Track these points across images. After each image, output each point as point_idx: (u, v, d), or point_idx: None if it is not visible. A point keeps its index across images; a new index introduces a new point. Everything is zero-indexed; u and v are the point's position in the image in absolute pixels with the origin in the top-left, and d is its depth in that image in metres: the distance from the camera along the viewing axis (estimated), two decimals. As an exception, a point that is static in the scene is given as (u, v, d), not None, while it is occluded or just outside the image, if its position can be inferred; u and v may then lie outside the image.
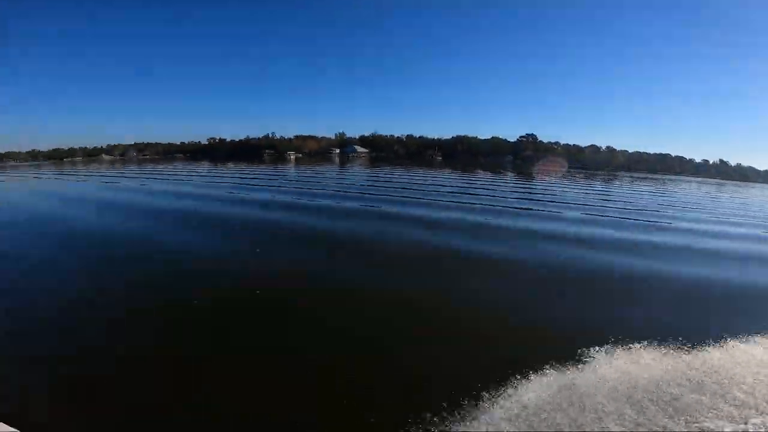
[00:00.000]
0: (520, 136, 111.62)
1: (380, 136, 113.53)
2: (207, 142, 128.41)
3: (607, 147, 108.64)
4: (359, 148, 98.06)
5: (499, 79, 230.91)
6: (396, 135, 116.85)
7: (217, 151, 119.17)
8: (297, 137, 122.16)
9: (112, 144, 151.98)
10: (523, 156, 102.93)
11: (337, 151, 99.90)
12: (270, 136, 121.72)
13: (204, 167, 55.14)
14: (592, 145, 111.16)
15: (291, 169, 53.47)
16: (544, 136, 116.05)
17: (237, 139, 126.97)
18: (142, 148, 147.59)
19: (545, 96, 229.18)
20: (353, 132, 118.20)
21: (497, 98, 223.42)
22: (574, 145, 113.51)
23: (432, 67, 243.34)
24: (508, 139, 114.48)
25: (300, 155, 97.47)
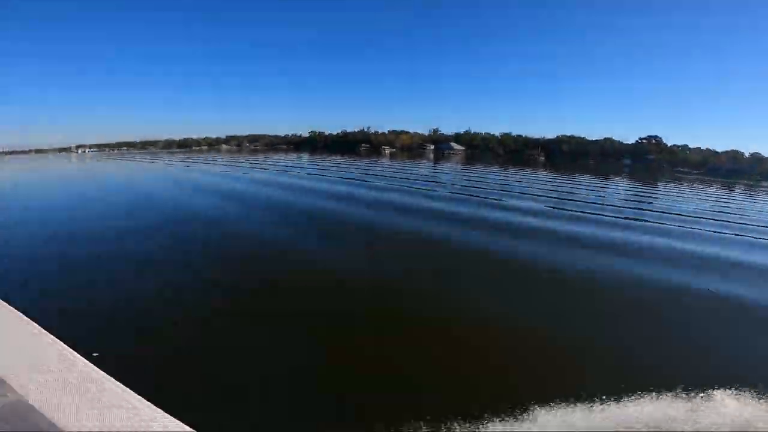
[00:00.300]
0: (640, 138, 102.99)
1: (476, 133, 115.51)
2: (308, 135, 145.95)
3: (753, 153, 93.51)
4: (455, 145, 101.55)
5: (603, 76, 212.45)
6: (493, 132, 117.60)
7: (317, 144, 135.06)
8: (390, 132, 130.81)
9: (230, 135, 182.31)
10: (645, 159, 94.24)
11: (432, 147, 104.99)
12: (366, 130, 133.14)
13: (316, 160, 54.70)
14: (733, 150, 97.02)
15: (386, 165, 50.37)
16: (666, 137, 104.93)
17: (335, 133, 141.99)
18: (252, 140, 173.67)
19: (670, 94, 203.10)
20: (447, 129, 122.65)
21: (605, 98, 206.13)
22: (707, 149, 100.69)
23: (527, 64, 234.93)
24: (624, 141, 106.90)
25: (393, 150, 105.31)
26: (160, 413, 1.31)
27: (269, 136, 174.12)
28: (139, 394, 1.43)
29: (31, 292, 6.65)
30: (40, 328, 1.88)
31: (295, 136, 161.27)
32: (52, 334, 1.87)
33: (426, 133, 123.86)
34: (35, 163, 63.20)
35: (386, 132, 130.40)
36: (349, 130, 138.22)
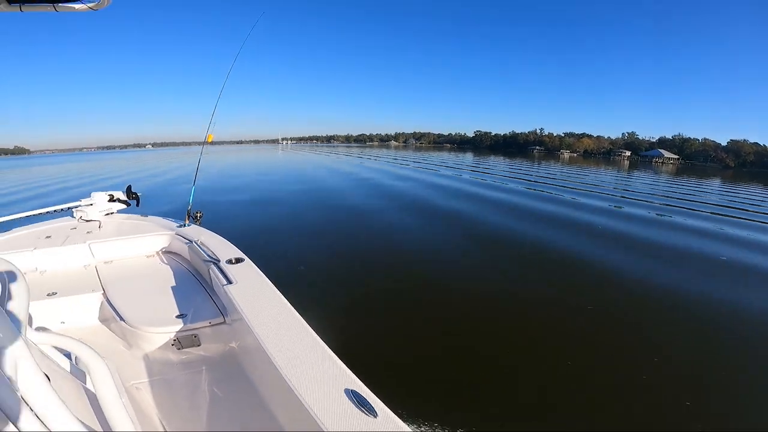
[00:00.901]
0: None
1: (692, 139, 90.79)
2: (474, 134, 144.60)
3: None
4: (666, 153, 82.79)
5: None
6: (713, 139, 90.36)
7: (481, 143, 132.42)
8: (568, 134, 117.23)
9: (398, 132, 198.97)
10: None
11: (627, 153, 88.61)
12: (538, 131, 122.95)
13: (482, 160, 47.15)
14: None
15: (577, 172, 37.00)
16: None
17: (502, 133, 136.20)
18: (418, 137, 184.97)
19: None
20: (645, 133, 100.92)
21: None
22: None
23: None
24: None
25: (574, 154, 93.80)
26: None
27: (433, 134, 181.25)
28: None
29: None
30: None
31: (458, 135, 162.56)
32: None
33: (615, 136, 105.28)
34: (262, 150, 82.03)
35: (562, 134, 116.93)
36: (518, 130, 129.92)
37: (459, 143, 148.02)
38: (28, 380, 0.69)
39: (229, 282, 1.91)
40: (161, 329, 1.92)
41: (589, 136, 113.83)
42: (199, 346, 1.96)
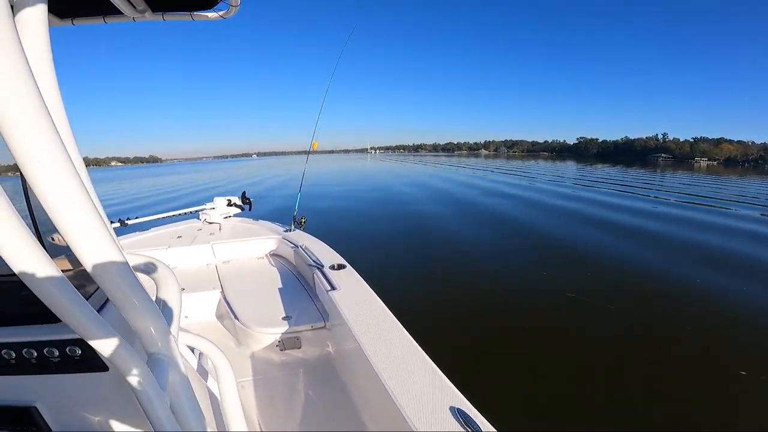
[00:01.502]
0: None
1: None
2: (576, 141, 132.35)
3: None
4: None
5: None
6: None
7: (586, 151, 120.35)
8: (701, 140, 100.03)
9: (488, 140, 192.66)
10: None
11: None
12: (660, 137, 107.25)
13: (590, 170, 40.63)
14: None
15: None
16: None
17: (611, 139, 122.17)
18: (510, 145, 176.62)
19: None
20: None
21: None
22: None
23: None
24: None
25: (713, 162, 79.28)
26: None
27: (526, 141, 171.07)
28: None
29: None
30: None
31: (556, 142, 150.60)
32: None
33: (760, 141, 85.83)
34: (353, 159, 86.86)
35: (690, 140, 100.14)
36: (633, 136, 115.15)
37: (558, 151, 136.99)
38: (174, 379, 0.70)
39: (333, 288, 1.94)
40: (268, 330, 2.03)
41: (729, 141, 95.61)
42: (299, 348, 2.04)
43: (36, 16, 0.68)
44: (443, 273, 5.81)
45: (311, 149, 3.43)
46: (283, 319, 2.10)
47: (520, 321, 4.27)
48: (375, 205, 13.13)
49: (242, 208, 4.03)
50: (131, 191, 24.21)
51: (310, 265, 2.33)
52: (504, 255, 6.79)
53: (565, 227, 9.47)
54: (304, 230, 3.22)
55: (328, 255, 2.48)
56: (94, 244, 0.52)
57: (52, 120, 0.40)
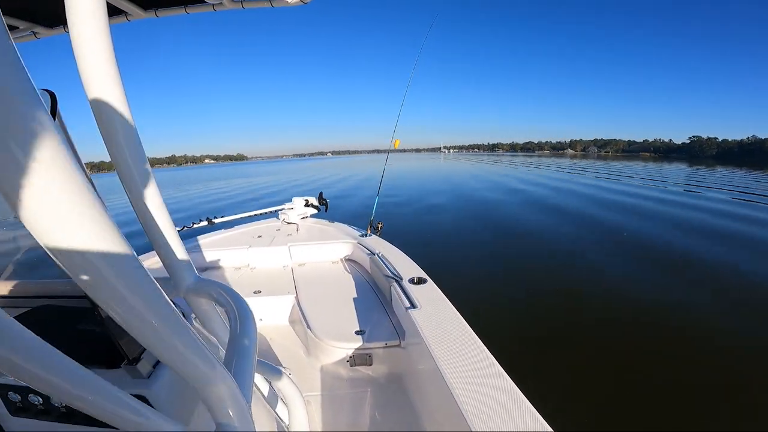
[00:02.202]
0: None
1: None
2: (689, 140, 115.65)
3: None
4: None
5: None
6: None
7: (701, 152, 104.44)
8: None
9: (575, 139, 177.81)
10: None
11: None
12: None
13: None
14: None
15: None
16: None
17: (734, 139, 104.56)
18: (601, 144, 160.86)
19: None
20: None
21: None
22: None
23: None
24: None
25: None
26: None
27: (621, 141, 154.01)
28: None
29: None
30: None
31: (660, 141, 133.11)
32: None
33: None
34: (426, 159, 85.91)
35: None
36: (762, 135, 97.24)
37: (664, 152, 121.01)
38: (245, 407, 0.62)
39: (412, 305, 1.81)
40: (340, 344, 1.96)
41: None
42: (370, 365, 1.95)
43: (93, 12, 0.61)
44: (538, 291, 5.28)
45: (392, 147, 3.32)
46: (356, 333, 2.02)
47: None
48: (457, 210, 12.34)
49: (318, 209, 4.10)
50: (224, 190, 26.51)
51: (388, 276, 2.23)
52: (629, 282, 5.80)
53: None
54: (380, 236, 3.14)
55: (407, 266, 2.35)
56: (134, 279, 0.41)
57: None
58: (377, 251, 2.68)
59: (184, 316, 0.57)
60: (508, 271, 6.19)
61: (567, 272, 6.17)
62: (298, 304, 2.42)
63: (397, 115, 3.30)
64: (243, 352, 0.72)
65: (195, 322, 0.99)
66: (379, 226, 3.14)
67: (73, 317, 0.83)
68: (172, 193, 26.64)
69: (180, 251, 0.88)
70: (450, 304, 1.82)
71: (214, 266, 3.20)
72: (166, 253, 0.87)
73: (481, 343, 1.44)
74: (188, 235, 3.40)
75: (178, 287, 0.90)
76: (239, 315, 0.81)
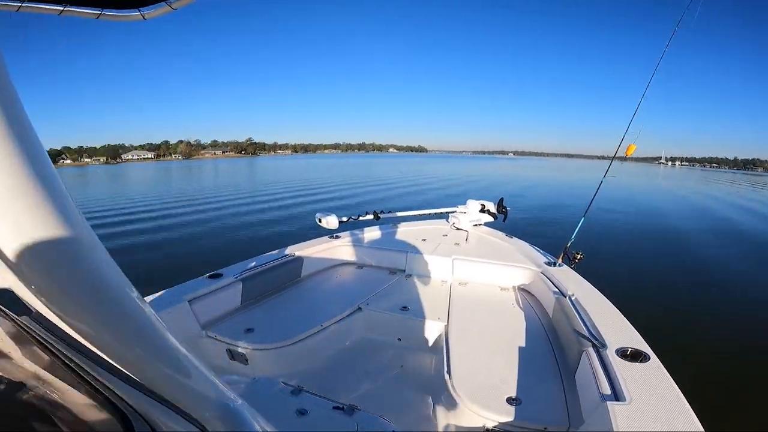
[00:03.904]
0: None
1: None
2: None
3: None
4: None
5: None
6: None
7: None
8: None
9: None
10: None
11: None
12: None
13: None
14: None
15: None
16: None
17: None
18: None
19: None
20: None
21: None
22: None
23: None
24: None
25: None
26: None
27: None
28: None
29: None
30: None
31: None
32: None
33: None
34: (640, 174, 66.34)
35: None
36: None
37: None
38: None
39: (615, 393, 1.25)
40: (481, 411, 1.50)
41: None
42: None
43: None
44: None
45: (622, 154, 2.47)
46: (509, 401, 1.53)
47: None
48: (711, 259, 8.37)
49: (495, 217, 3.64)
50: (399, 182, 27.17)
51: (581, 336, 1.63)
52: None
53: None
54: (575, 269, 2.44)
55: (614, 325, 1.70)
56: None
57: None
58: (569, 292, 2.06)
59: None
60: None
61: None
62: (446, 335, 2.06)
63: (633, 111, 2.46)
64: None
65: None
66: (577, 256, 2.42)
67: None
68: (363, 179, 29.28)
69: None
70: (685, 402, 1.17)
71: (370, 265, 3.17)
72: None
73: None
74: (352, 227, 3.47)
75: None
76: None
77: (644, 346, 1.51)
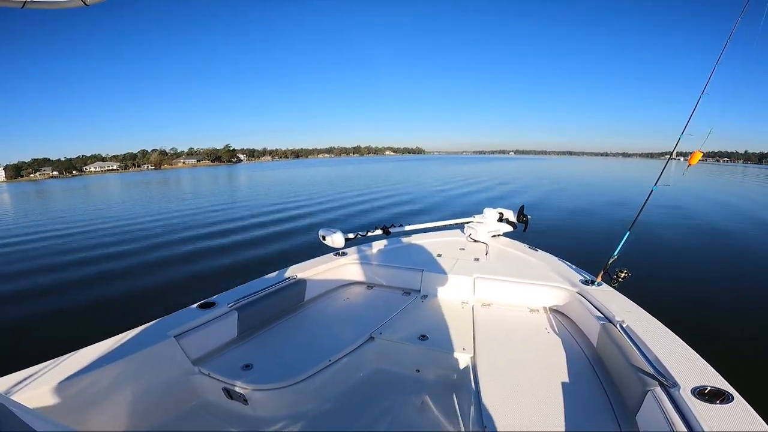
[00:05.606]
0: None
1: None
2: None
3: None
4: None
5: None
6: None
7: None
8: None
9: None
10: None
11: None
12: None
13: None
14: None
15: None
16: None
17: None
18: None
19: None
20: None
21: None
22: None
23: None
24: None
25: None
26: None
27: None
28: None
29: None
30: None
31: None
32: None
33: None
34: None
35: None
36: None
37: None
38: None
39: None
40: None
41: None
42: None
43: None
44: None
45: (685, 160, 2.20)
46: None
47: None
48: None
49: (515, 227, 3.47)
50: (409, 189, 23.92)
51: (642, 372, 1.45)
52: None
53: None
54: (616, 289, 2.24)
55: (680, 358, 1.50)
56: None
57: None
58: (618, 318, 1.87)
59: None
60: None
61: None
62: (473, 368, 1.85)
63: (693, 105, 2.17)
64: None
65: None
66: (621, 275, 2.19)
67: None
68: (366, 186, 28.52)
69: None
70: None
71: (381, 285, 2.97)
72: None
73: None
74: (360, 243, 3.27)
75: None
76: None
77: (724, 384, 1.32)
